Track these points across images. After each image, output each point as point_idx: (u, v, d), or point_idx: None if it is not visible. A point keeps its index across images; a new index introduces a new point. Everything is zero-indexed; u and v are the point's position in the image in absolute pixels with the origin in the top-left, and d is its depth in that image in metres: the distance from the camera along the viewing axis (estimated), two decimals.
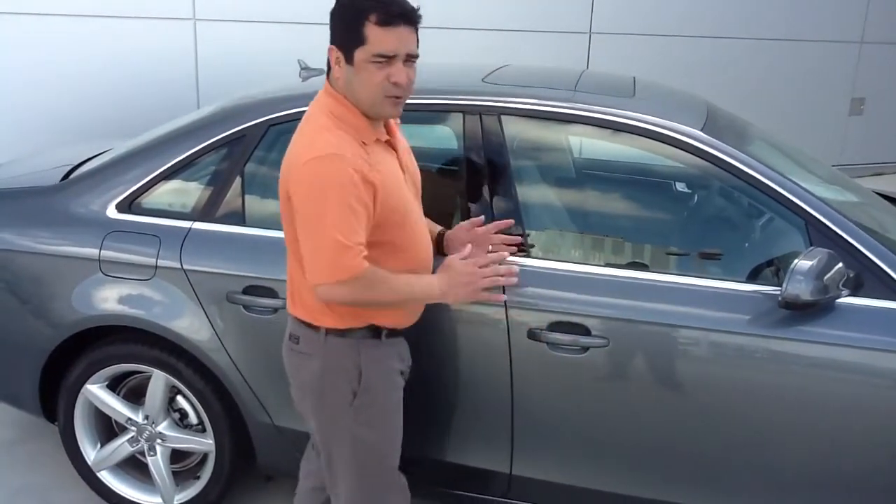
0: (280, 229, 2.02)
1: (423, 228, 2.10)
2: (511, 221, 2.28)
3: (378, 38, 1.83)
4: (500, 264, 2.10)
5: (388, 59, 1.85)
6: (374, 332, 2.03)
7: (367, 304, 1.96)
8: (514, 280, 2.17)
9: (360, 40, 1.84)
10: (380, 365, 2.05)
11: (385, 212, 1.91)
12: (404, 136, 2.17)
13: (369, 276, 1.87)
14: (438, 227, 2.29)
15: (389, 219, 1.93)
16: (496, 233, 2.24)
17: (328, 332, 2.00)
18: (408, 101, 2.50)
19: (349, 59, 1.88)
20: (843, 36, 7.52)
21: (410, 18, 1.86)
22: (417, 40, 1.91)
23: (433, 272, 2.08)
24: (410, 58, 1.89)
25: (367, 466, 2.09)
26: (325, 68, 1.98)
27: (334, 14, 1.90)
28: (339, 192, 1.82)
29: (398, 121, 2.17)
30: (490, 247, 2.21)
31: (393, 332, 2.07)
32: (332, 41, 1.91)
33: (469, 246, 2.09)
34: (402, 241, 1.99)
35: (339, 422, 2.05)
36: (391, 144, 2.03)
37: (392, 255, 1.97)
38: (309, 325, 2.03)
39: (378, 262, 1.91)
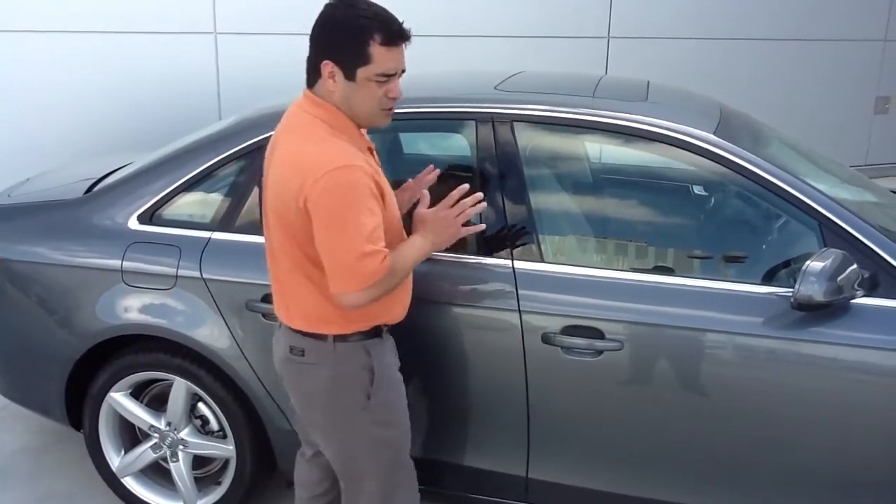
0: None
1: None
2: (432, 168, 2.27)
3: (383, 58, 1.89)
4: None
5: (390, 76, 1.92)
6: (377, 330, 2.08)
7: (388, 291, 1.98)
8: (483, 204, 2.12)
9: (364, 60, 1.88)
10: (386, 362, 2.10)
11: (387, 215, 1.97)
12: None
13: (388, 271, 1.92)
14: None
15: (388, 221, 1.98)
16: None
17: (336, 338, 2.02)
18: (421, 110, 2.57)
19: (349, 76, 1.91)
20: (866, 34, 7.44)
21: (407, 36, 1.92)
22: None
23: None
24: (402, 72, 1.98)
25: (389, 463, 2.14)
26: (307, 78, 1.98)
27: (328, 28, 1.90)
28: (361, 200, 1.87)
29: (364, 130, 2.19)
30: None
31: (386, 329, 2.12)
32: (327, 56, 1.90)
33: (426, 193, 2.13)
34: (392, 242, 2.00)
35: (355, 427, 2.07)
36: (372, 152, 2.08)
37: None
38: (314, 336, 2.03)
39: None
